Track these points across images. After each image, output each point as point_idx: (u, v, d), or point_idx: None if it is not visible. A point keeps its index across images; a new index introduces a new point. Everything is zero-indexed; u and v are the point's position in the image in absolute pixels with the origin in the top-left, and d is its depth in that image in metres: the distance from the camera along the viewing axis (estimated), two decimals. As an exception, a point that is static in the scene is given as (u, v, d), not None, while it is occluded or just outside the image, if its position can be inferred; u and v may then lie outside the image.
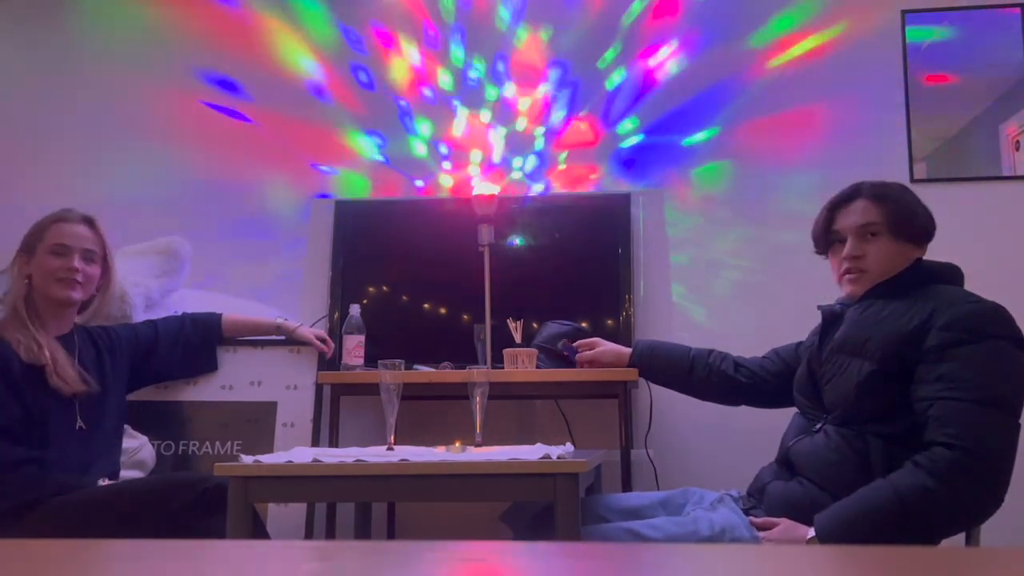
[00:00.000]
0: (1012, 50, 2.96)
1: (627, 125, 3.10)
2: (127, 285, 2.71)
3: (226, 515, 1.83)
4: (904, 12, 3.02)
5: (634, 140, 3.09)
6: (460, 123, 3.16)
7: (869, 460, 1.84)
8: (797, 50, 3.06)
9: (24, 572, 0.60)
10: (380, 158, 3.17)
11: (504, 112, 3.16)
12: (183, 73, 3.28)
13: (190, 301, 2.85)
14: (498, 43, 3.18)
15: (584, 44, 3.14)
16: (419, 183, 3.15)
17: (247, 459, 1.88)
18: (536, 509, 2.16)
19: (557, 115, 3.13)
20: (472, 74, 3.17)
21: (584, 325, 2.75)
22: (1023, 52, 2.95)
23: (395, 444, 2.06)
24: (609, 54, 3.12)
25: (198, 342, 2.71)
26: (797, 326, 2.28)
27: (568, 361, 2.58)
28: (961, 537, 1.89)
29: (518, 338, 2.63)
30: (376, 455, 1.94)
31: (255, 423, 2.78)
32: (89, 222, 2.43)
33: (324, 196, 3.15)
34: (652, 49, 3.11)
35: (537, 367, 2.56)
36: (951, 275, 1.98)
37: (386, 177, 3.17)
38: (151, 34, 3.33)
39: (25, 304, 2.36)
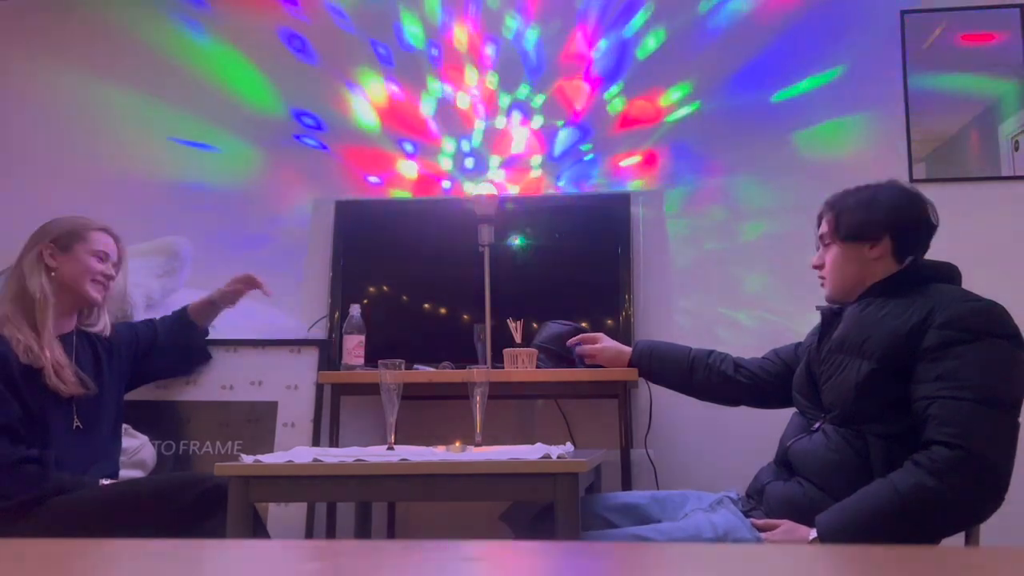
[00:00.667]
0: (1011, 50, 2.96)
1: (645, 120, 3.10)
2: (127, 285, 2.71)
3: (226, 515, 1.83)
4: (903, 12, 3.02)
5: (652, 136, 3.09)
6: (479, 130, 3.16)
7: (868, 460, 1.84)
8: (801, 42, 3.06)
9: (24, 572, 0.60)
10: (412, 163, 3.17)
11: (523, 112, 3.15)
12: (182, 75, 3.28)
13: (191, 301, 2.85)
14: (510, 46, 3.18)
15: (594, 37, 3.14)
16: (447, 184, 3.14)
17: (247, 459, 1.89)
18: (536, 509, 2.17)
19: (577, 110, 3.13)
20: (488, 77, 3.17)
21: (584, 325, 2.75)
22: (1022, 52, 2.95)
23: (395, 444, 2.06)
24: (638, 22, 3.12)
25: (185, 338, 2.71)
26: (797, 326, 2.28)
27: (571, 360, 2.57)
28: (961, 537, 1.89)
29: (518, 338, 2.63)
30: (376, 455, 1.94)
31: (255, 423, 2.78)
32: (117, 240, 2.55)
33: (343, 198, 3.14)
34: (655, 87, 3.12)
35: (537, 367, 2.56)
36: (949, 274, 1.98)
37: (417, 183, 3.16)
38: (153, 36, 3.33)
39: (41, 296, 2.36)
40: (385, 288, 3.04)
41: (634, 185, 3.06)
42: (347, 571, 0.62)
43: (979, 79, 2.97)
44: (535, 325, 2.72)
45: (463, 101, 3.19)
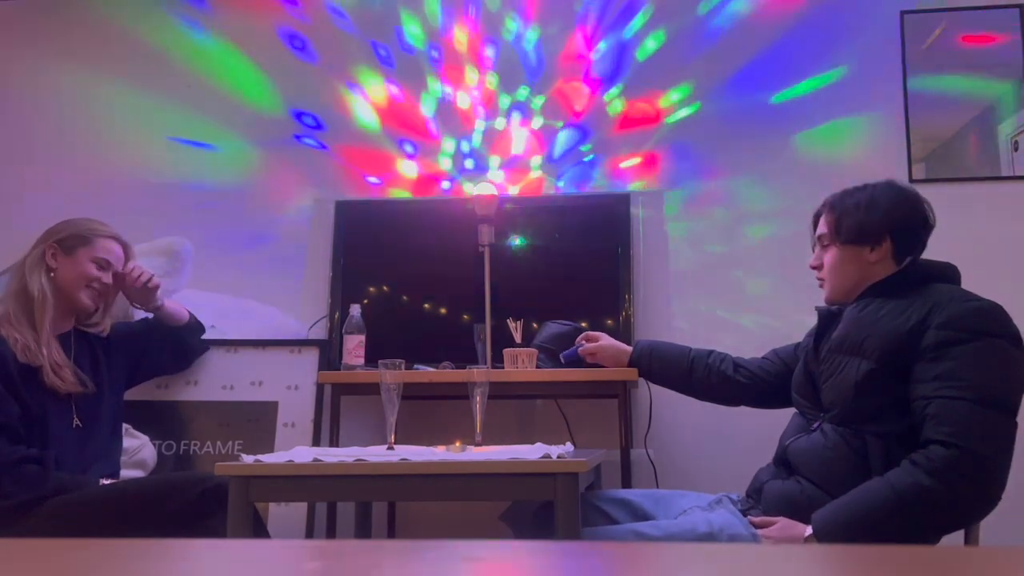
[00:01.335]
0: (1011, 50, 2.96)
1: (645, 119, 3.10)
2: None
3: (226, 515, 1.83)
4: (903, 12, 3.02)
5: (653, 135, 3.09)
6: (479, 130, 3.16)
7: (867, 459, 1.85)
8: (801, 42, 3.06)
9: (24, 572, 0.60)
10: (412, 164, 3.17)
11: (523, 113, 3.15)
12: (184, 75, 3.28)
13: (191, 301, 2.85)
14: (509, 47, 3.19)
15: (595, 38, 3.15)
16: (446, 185, 3.14)
17: (248, 459, 1.89)
18: (535, 508, 2.17)
19: (576, 110, 3.13)
20: (488, 78, 3.17)
21: (584, 325, 2.75)
22: (1022, 52, 2.95)
23: (395, 444, 2.06)
24: (639, 23, 3.13)
25: (172, 336, 2.71)
26: (797, 326, 2.28)
27: (574, 361, 2.57)
28: (961, 536, 1.89)
29: (518, 338, 2.63)
30: (376, 455, 1.94)
31: (256, 423, 2.78)
32: (126, 248, 2.57)
33: (343, 198, 3.14)
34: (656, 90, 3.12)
35: (537, 367, 2.57)
36: (948, 274, 1.98)
37: (417, 184, 3.16)
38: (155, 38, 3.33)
39: (39, 296, 2.36)
40: (385, 288, 3.04)
41: (634, 186, 3.06)
42: (347, 571, 0.62)
43: (979, 79, 2.97)
44: (535, 325, 2.72)
45: (463, 102, 3.19)
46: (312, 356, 2.87)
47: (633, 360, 2.47)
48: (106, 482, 2.33)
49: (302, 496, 2.27)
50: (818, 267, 2.09)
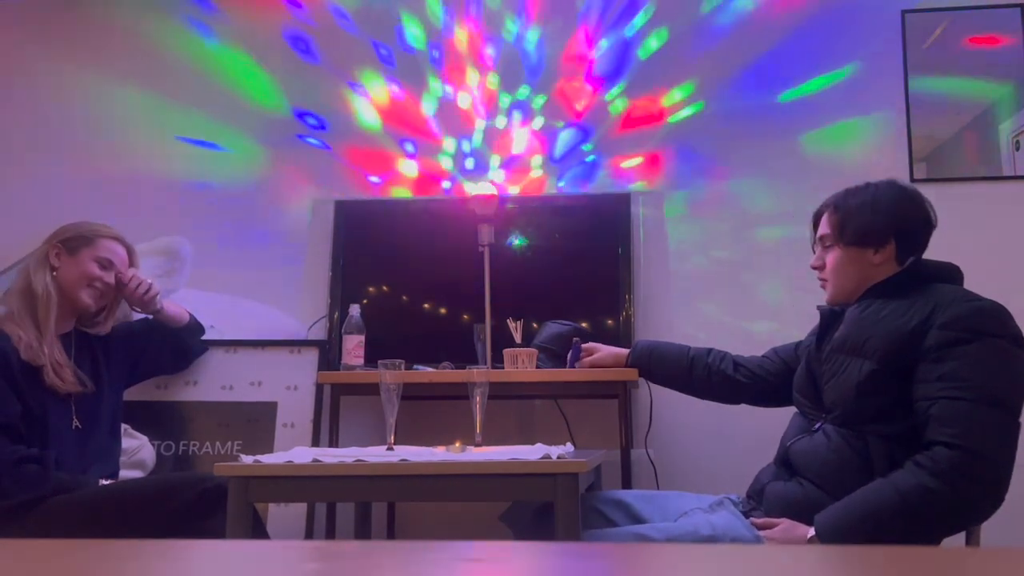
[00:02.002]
0: (1012, 50, 2.96)
1: (647, 119, 3.10)
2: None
3: (226, 515, 1.83)
4: (904, 12, 3.02)
5: (655, 135, 3.09)
6: (480, 130, 3.16)
7: (869, 460, 1.84)
8: (800, 42, 3.06)
9: (24, 572, 0.60)
10: (413, 163, 3.17)
11: (524, 112, 3.15)
12: (178, 74, 3.28)
13: (191, 301, 2.85)
14: (510, 48, 3.18)
15: (597, 37, 3.15)
16: (446, 184, 3.15)
17: (247, 459, 1.88)
18: (535, 508, 2.17)
19: (578, 110, 3.13)
20: (490, 79, 3.17)
21: (584, 325, 2.75)
22: (1022, 51, 2.95)
23: (395, 444, 2.06)
24: (639, 21, 3.12)
25: (171, 336, 2.71)
26: (797, 325, 2.28)
27: (569, 361, 2.57)
28: (961, 537, 1.89)
29: (518, 338, 2.63)
30: (376, 455, 1.94)
31: (255, 423, 2.78)
32: (130, 250, 2.58)
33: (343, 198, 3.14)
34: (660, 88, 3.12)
35: (537, 367, 2.56)
36: (950, 274, 1.98)
37: (418, 183, 3.16)
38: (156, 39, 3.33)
39: (43, 295, 2.37)
40: (385, 288, 3.04)
41: (635, 186, 3.06)
42: (347, 571, 0.62)
43: (979, 79, 2.97)
44: (535, 325, 2.72)
45: (464, 101, 3.19)
46: (312, 356, 2.87)
47: (632, 360, 2.47)
48: (105, 482, 2.33)
49: (302, 496, 2.27)
50: (820, 267, 2.08)
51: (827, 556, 0.74)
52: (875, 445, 1.84)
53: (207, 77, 3.27)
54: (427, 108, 3.20)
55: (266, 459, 1.89)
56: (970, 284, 1.98)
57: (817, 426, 1.97)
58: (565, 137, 3.14)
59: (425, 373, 2.63)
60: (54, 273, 2.42)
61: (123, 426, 2.58)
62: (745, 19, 3.11)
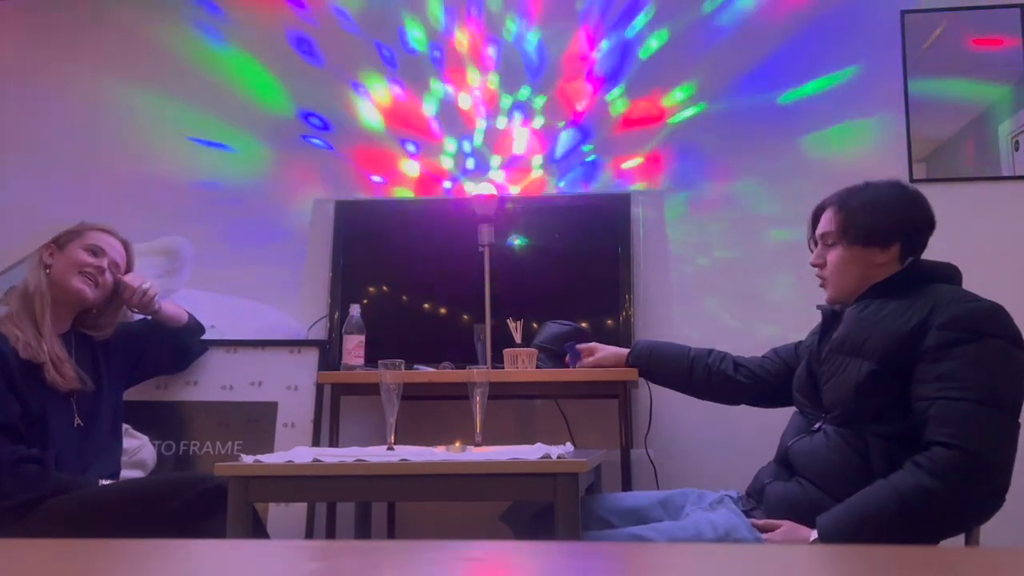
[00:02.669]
0: (1012, 50, 2.96)
1: (647, 119, 3.10)
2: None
3: (226, 515, 1.83)
4: (904, 12, 3.02)
5: (656, 135, 3.09)
6: (480, 131, 3.16)
7: (869, 460, 1.84)
8: (800, 42, 3.06)
9: (24, 572, 0.60)
10: (415, 163, 3.17)
11: (525, 112, 3.15)
12: (186, 75, 3.29)
13: (191, 301, 2.85)
14: (510, 48, 3.19)
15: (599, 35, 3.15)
16: (447, 184, 3.15)
17: (247, 459, 1.89)
18: (535, 509, 2.16)
19: (578, 110, 3.13)
20: (490, 79, 3.17)
21: (584, 325, 2.75)
22: (1023, 52, 2.95)
23: (395, 444, 2.06)
24: (640, 21, 3.12)
25: (168, 336, 2.71)
26: (797, 326, 2.28)
27: (568, 363, 2.58)
28: (961, 537, 1.89)
29: (518, 338, 2.63)
30: (376, 455, 1.94)
31: (255, 423, 2.78)
32: (126, 244, 2.58)
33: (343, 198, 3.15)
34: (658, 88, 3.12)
35: (537, 367, 2.56)
36: (949, 275, 1.98)
37: (419, 183, 3.17)
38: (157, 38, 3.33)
39: (38, 295, 2.38)
40: (385, 288, 3.04)
41: (635, 186, 3.06)
42: (347, 571, 0.62)
43: (979, 79, 2.97)
44: (535, 325, 2.72)
45: (465, 102, 3.19)
46: (312, 356, 2.87)
47: (632, 359, 2.47)
48: (106, 482, 2.33)
49: (302, 496, 2.27)
50: (821, 265, 2.06)
51: (828, 556, 0.74)
52: (874, 445, 1.84)
53: (217, 79, 3.27)
54: (428, 108, 3.20)
55: (266, 459, 1.89)
56: (969, 284, 1.98)
57: (817, 426, 1.97)
58: (565, 137, 3.14)
59: (425, 373, 2.63)
60: (47, 271, 2.43)
61: (124, 426, 2.58)
62: (746, 20, 3.11)
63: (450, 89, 3.20)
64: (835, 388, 1.92)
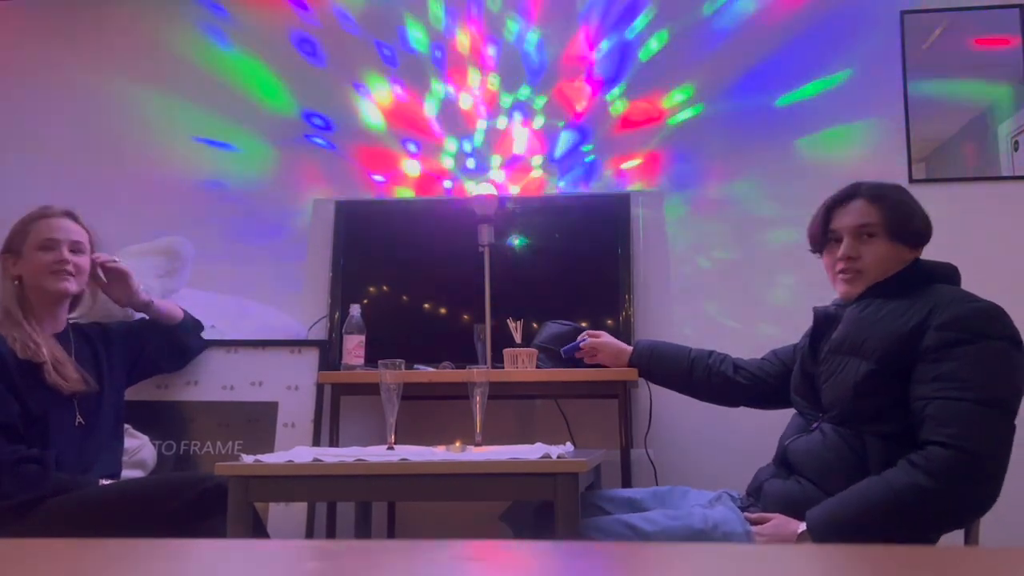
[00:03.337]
0: (1011, 50, 2.96)
1: (649, 119, 3.10)
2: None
3: (226, 515, 1.83)
4: (903, 12, 3.02)
5: (656, 136, 3.09)
6: (480, 130, 3.16)
7: (866, 460, 1.84)
8: (800, 43, 3.06)
9: (24, 572, 0.60)
10: (415, 163, 3.17)
11: (525, 113, 3.16)
12: (191, 76, 3.29)
13: (191, 301, 2.85)
14: (511, 48, 3.19)
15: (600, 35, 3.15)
16: (447, 184, 3.15)
17: (247, 459, 1.89)
18: (534, 507, 2.17)
19: (579, 110, 3.13)
20: (490, 80, 3.18)
21: (584, 325, 2.75)
22: (1022, 52, 2.95)
23: (395, 444, 2.06)
24: (640, 22, 3.12)
25: (166, 336, 2.70)
26: (796, 326, 2.28)
27: (574, 360, 2.57)
28: (961, 536, 1.89)
29: (518, 338, 2.63)
30: (376, 455, 1.94)
31: (256, 423, 2.78)
32: (71, 216, 2.46)
33: (343, 198, 3.15)
34: (660, 86, 3.12)
35: (537, 367, 2.57)
36: (949, 275, 1.98)
37: (420, 183, 3.17)
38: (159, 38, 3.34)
39: (19, 305, 2.36)
40: (385, 288, 3.04)
41: (635, 187, 3.06)
42: (347, 571, 0.62)
43: (978, 79, 2.97)
44: (535, 325, 2.72)
45: (465, 102, 3.19)
46: (312, 356, 2.87)
47: (633, 360, 2.47)
48: (106, 482, 2.33)
49: (302, 496, 2.27)
50: (856, 257, 1.98)
51: (825, 555, 0.74)
52: (872, 445, 1.85)
53: (222, 80, 3.27)
54: (429, 108, 3.20)
55: (267, 459, 1.89)
56: (968, 284, 1.98)
57: (815, 425, 1.97)
58: (565, 137, 3.14)
59: (425, 373, 2.63)
60: (16, 282, 2.38)
61: (124, 426, 2.58)
62: (746, 22, 3.11)
63: (451, 89, 3.20)
64: (834, 388, 1.92)
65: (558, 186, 3.12)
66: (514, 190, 3.11)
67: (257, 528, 2.18)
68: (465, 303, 2.91)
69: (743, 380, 2.31)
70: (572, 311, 2.82)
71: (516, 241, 3.00)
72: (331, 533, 2.67)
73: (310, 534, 2.70)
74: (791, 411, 2.14)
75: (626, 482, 2.53)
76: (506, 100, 3.17)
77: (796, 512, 1.88)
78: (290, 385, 2.82)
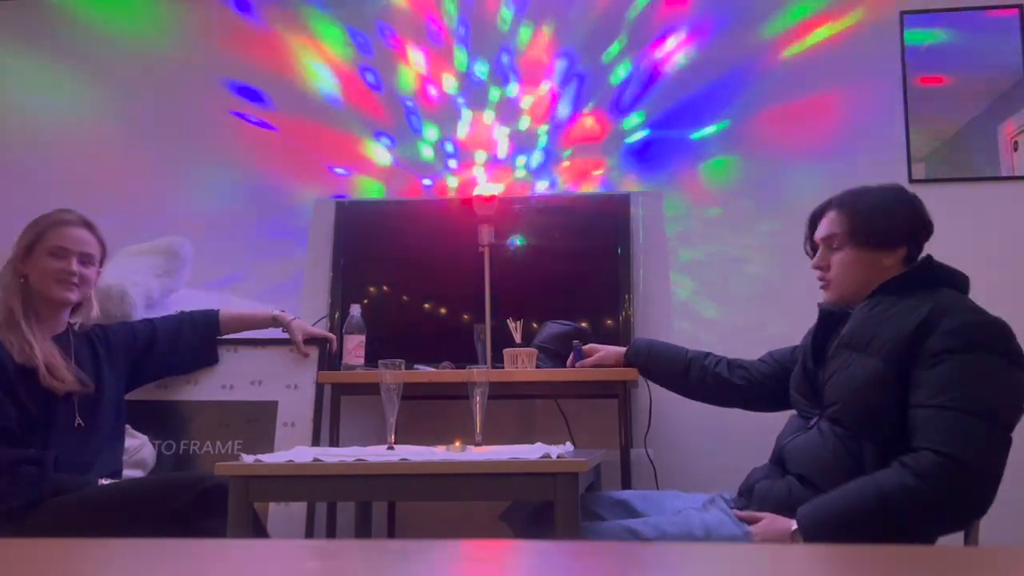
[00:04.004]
0: (1010, 50, 2.96)
1: (633, 119, 3.10)
2: (127, 285, 2.71)
3: (226, 515, 1.83)
4: (903, 13, 3.02)
5: (641, 135, 3.09)
6: (465, 124, 3.16)
7: (861, 463, 1.84)
8: (799, 43, 3.06)
9: (24, 572, 0.60)
10: (389, 159, 3.18)
11: (509, 110, 3.16)
12: (191, 78, 3.29)
13: (191, 301, 2.85)
14: (501, 41, 3.19)
15: (589, 38, 3.14)
16: (427, 182, 3.15)
17: (247, 458, 1.89)
18: (534, 507, 2.17)
19: (562, 111, 3.14)
20: (477, 69, 3.17)
21: (584, 325, 2.75)
22: (1021, 52, 2.95)
23: (395, 444, 2.06)
24: (614, 47, 3.12)
25: (197, 339, 2.71)
26: (796, 326, 2.27)
27: (571, 362, 2.58)
28: (960, 536, 1.89)
29: (518, 338, 2.63)
30: (376, 455, 1.94)
31: (256, 423, 2.78)
32: (88, 225, 2.45)
33: (340, 197, 3.14)
34: (659, 40, 3.12)
35: (537, 367, 2.57)
36: (958, 282, 1.97)
37: (395, 178, 3.17)
38: (159, 39, 3.34)
39: (21, 304, 2.36)
40: (385, 288, 3.04)
41: (634, 186, 3.06)
42: (347, 571, 0.62)
43: (978, 79, 2.97)
44: (535, 325, 2.72)
45: (463, 101, 3.19)
46: (312, 355, 2.87)
47: (629, 357, 2.47)
48: (105, 482, 2.33)
49: (302, 496, 2.27)
50: (824, 267, 2.05)
51: (823, 555, 0.74)
52: (868, 449, 1.84)
53: (223, 79, 3.28)
54: (426, 108, 3.20)
55: (266, 458, 1.89)
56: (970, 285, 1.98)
57: (813, 422, 1.97)
58: (565, 137, 3.13)
59: (425, 373, 2.63)
60: (23, 280, 2.39)
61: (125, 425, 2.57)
62: (746, 26, 3.10)
63: (450, 88, 3.20)
64: (838, 384, 1.92)
65: (556, 186, 3.11)
66: (513, 190, 3.11)
67: (257, 528, 2.18)
68: (465, 303, 2.91)
69: (739, 381, 2.31)
70: (572, 311, 2.81)
71: (516, 241, 3.00)
72: (331, 533, 2.67)
73: (310, 534, 2.70)
74: (790, 412, 2.14)
75: (626, 482, 2.53)
76: (505, 98, 3.17)
77: (787, 513, 1.88)
78: (290, 384, 2.82)
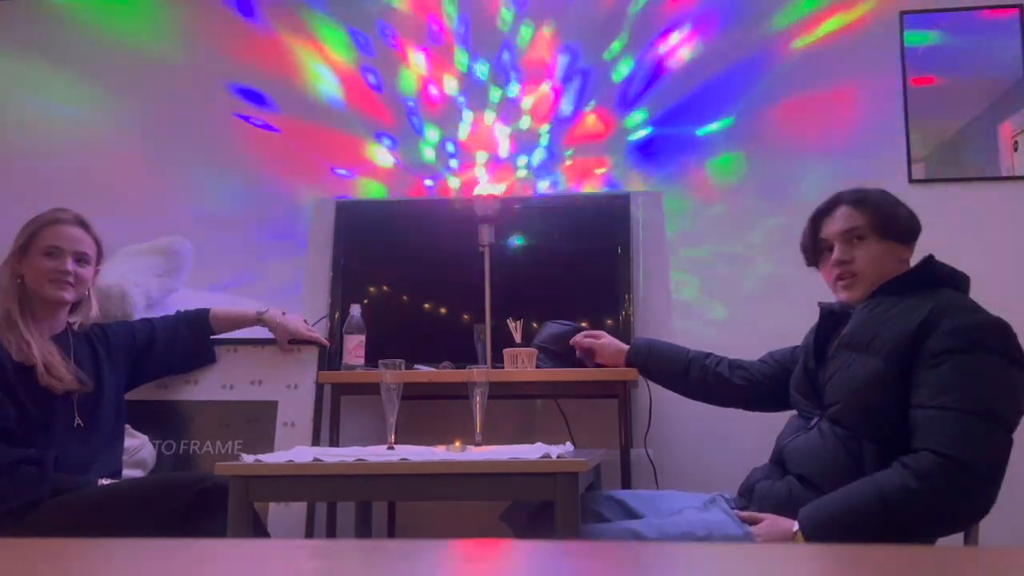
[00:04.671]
0: (1010, 51, 2.96)
1: (637, 117, 3.10)
2: (127, 285, 2.71)
3: (226, 515, 1.83)
4: (902, 13, 3.02)
5: (644, 132, 3.09)
6: (466, 124, 3.16)
7: (861, 464, 1.84)
8: (800, 42, 3.06)
9: (24, 572, 0.60)
10: (391, 160, 3.18)
11: (510, 110, 3.16)
12: (194, 81, 3.29)
13: (191, 301, 2.85)
14: (502, 41, 3.19)
15: (590, 35, 3.14)
16: (428, 183, 3.15)
17: (247, 458, 1.89)
18: (534, 507, 2.17)
19: (564, 109, 3.14)
20: (478, 69, 3.17)
21: (584, 325, 2.75)
22: (1021, 52, 2.95)
23: (395, 444, 2.06)
24: (617, 43, 3.12)
25: (193, 338, 2.71)
26: (797, 326, 2.27)
27: (572, 360, 2.58)
28: (960, 536, 1.89)
29: (518, 338, 2.63)
30: (376, 454, 1.94)
31: (255, 422, 2.78)
32: (83, 224, 2.44)
33: (342, 198, 3.14)
34: (662, 36, 3.12)
35: (537, 367, 2.57)
36: (959, 282, 1.97)
37: (396, 178, 3.17)
38: (161, 41, 3.34)
39: (18, 303, 2.36)
40: (385, 288, 3.04)
41: (634, 186, 3.06)
42: (347, 571, 0.62)
43: (978, 79, 2.97)
44: (535, 325, 2.72)
45: (462, 100, 3.19)
46: (312, 356, 2.87)
47: (630, 356, 2.47)
48: (105, 482, 2.33)
49: (302, 496, 2.27)
50: (850, 261, 2.00)
51: (824, 555, 0.74)
52: (868, 450, 1.84)
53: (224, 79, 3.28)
54: (425, 108, 3.20)
55: (266, 458, 1.90)
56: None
57: (813, 423, 1.97)
58: (565, 137, 3.13)
59: (425, 373, 2.63)
60: (19, 280, 2.39)
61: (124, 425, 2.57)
62: (747, 28, 3.10)
63: (449, 87, 3.20)
64: (839, 383, 1.92)
65: (555, 186, 3.11)
66: (512, 190, 3.11)
67: (257, 528, 2.18)
68: (465, 303, 2.91)
69: (739, 381, 2.31)
70: (572, 311, 2.81)
71: (516, 241, 3.00)
72: (331, 533, 2.67)
73: (310, 534, 2.70)
74: (790, 412, 2.14)
75: (626, 482, 2.53)
76: (503, 97, 3.17)
77: (787, 513, 1.88)
78: (290, 384, 2.82)
